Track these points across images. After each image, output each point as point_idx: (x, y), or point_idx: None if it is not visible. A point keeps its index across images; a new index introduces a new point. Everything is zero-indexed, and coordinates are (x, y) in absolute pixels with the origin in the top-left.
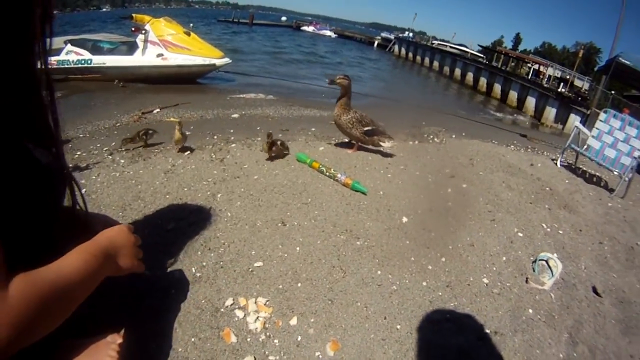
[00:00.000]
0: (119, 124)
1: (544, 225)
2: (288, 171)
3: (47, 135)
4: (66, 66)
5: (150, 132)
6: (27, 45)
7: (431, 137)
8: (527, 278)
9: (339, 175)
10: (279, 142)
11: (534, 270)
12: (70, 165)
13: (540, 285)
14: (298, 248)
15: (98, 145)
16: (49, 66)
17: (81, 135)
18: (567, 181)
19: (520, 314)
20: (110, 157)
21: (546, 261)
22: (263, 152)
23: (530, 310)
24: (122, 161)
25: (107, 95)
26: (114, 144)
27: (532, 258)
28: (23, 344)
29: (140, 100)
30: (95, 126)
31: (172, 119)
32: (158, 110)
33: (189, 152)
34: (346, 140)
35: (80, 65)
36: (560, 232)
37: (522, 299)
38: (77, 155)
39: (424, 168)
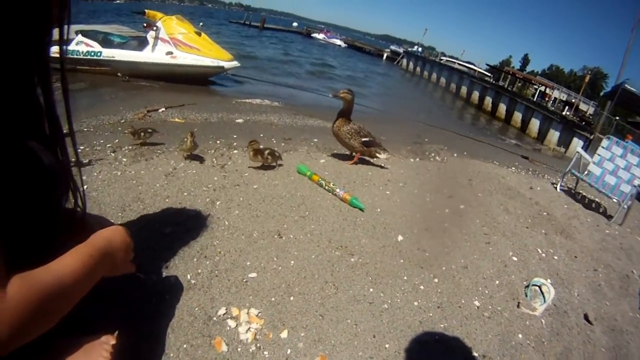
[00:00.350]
0: (123, 121)
1: (539, 250)
2: (288, 182)
3: (52, 133)
4: (75, 57)
5: (150, 131)
6: (40, 39)
7: (432, 154)
8: (519, 303)
9: (337, 190)
10: (266, 152)
11: (526, 295)
12: (72, 159)
13: (531, 310)
14: (292, 262)
15: (101, 141)
16: (57, 54)
17: (85, 129)
18: (565, 206)
19: (509, 338)
20: (113, 154)
21: (539, 287)
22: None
23: (520, 335)
24: (125, 160)
25: (113, 90)
26: (117, 140)
27: (525, 283)
28: (20, 342)
29: (147, 97)
30: (100, 121)
31: (176, 119)
32: (164, 109)
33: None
34: (347, 153)
35: (89, 57)
36: (555, 257)
37: (513, 323)
38: (80, 150)
39: (423, 186)
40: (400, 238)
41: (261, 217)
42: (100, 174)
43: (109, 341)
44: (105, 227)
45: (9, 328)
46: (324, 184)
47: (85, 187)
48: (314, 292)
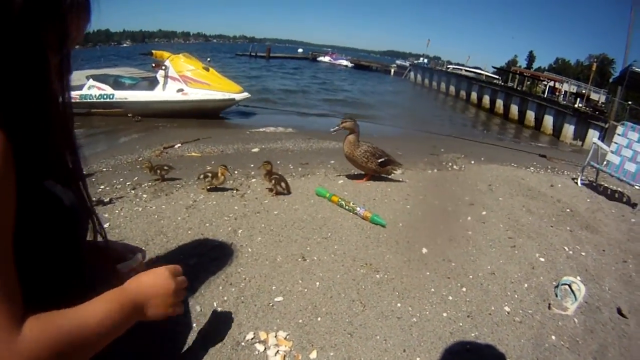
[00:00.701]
0: (141, 158)
1: (565, 248)
2: (308, 206)
3: (68, 172)
4: (89, 100)
5: (167, 168)
6: (45, 87)
7: (450, 164)
8: (549, 304)
9: (358, 209)
10: (276, 177)
11: (556, 296)
12: (94, 199)
13: (563, 310)
14: (318, 283)
15: (121, 179)
16: (72, 100)
17: (104, 169)
18: (588, 200)
19: (542, 341)
20: (133, 191)
21: (569, 285)
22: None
23: (553, 337)
24: (145, 196)
25: (129, 131)
26: (136, 178)
27: (554, 283)
28: None
29: (162, 135)
30: (118, 160)
31: (193, 153)
32: (179, 145)
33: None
34: (361, 172)
35: (102, 100)
36: (583, 253)
37: (545, 325)
38: (100, 189)
39: (443, 197)
40: (424, 250)
41: (284, 242)
42: (122, 210)
43: None
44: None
45: None
46: (344, 204)
47: (108, 224)
48: (341, 311)
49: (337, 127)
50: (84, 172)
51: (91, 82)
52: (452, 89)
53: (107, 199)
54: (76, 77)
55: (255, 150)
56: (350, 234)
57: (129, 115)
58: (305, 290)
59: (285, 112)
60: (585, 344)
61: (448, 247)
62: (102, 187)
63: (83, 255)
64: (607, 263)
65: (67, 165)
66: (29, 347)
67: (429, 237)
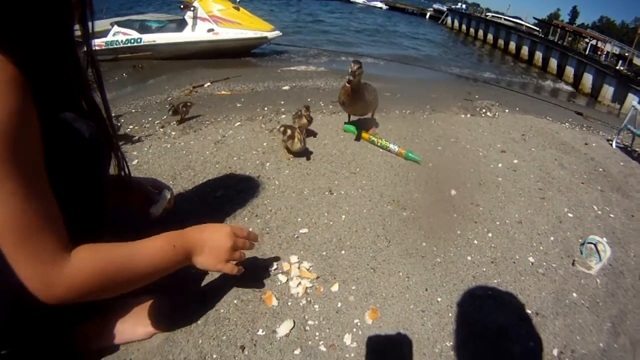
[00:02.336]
0: (170, 98)
1: (595, 207)
2: (337, 141)
3: (91, 108)
4: (115, 46)
5: (189, 104)
6: (64, 23)
7: (483, 110)
8: (574, 260)
9: (391, 145)
10: (289, 131)
11: (581, 253)
12: (122, 139)
13: (587, 269)
14: (344, 216)
15: (150, 119)
16: (97, 47)
17: (133, 111)
18: (621, 163)
19: (563, 297)
20: (161, 129)
21: (595, 245)
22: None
23: (575, 294)
24: (173, 133)
25: (156, 73)
26: (165, 117)
27: (580, 240)
28: (77, 301)
29: (191, 75)
30: (147, 101)
31: (223, 92)
32: (209, 84)
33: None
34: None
35: (129, 45)
36: (612, 215)
37: (567, 281)
38: (129, 129)
39: (475, 142)
40: (453, 192)
41: (311, 175)
42: (151, 148)
43: (157, 302)
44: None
45: (65, 291)
46: (375, 141)
47: (136, 161)
48: (365, 246)
49: (351, 77)
50: (110, 109)
51: (116, 28)
52: (490, 37)
53: (136, 137)
54: (100, 26)
55: (286, 88)
56: (378, 170)
57: (134, 66)
58: (331, 223)
59: (317, 51)
60: (605, 306)
61: (477, 191)
62: (130, 126)
63: (104, 187)
64: (635, 229)
65: (91, 99)
66: (74, 273)
67: (459, 179)
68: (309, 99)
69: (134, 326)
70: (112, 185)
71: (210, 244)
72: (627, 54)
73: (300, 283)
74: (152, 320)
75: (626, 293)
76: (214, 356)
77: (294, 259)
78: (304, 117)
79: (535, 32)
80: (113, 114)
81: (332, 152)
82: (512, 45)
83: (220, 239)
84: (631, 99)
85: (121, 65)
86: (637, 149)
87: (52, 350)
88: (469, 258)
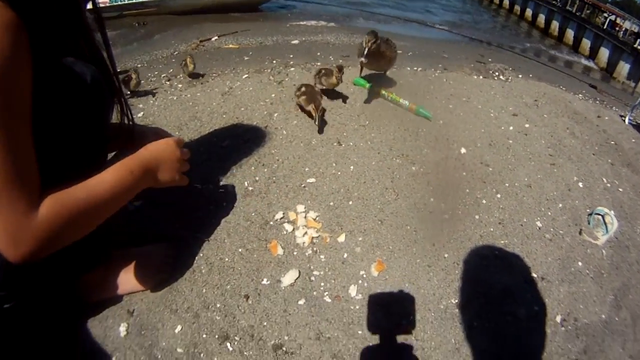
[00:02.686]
0: (177, 52)
1: (604, 179)
2: (347, 94)
3: (93, 52)
4: (119, 3)
5: (190, 57)
6: None
7: (496, 74)
8: (581, 229)
9: (401, 100)
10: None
11: (588, 223)
12: (127, 91)
13: (593, 239)
14: (352, 167)
15: (156, 72)
16: (101, 4)
17: (139, 65)
18: (633, 140)
19: (569, 264)
20: (168, 82)
21: (602, 216)
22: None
23: (580, 263)
24: (180, 85)
25: (164, 27)
26: (171, 70)
27: (588, 210)
28: (49, 253)
29: (198, 29)
30: (153, 56)
31: (231, 45)
32: (216, 37)
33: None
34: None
35: (135, 1)
36: (620, 189)
37: (574, 249)
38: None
39: (486, 103)
40: (463, 151)
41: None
42: (157, 100)
43: (161, 252)
44: (162, 137)
45: (34, 243)
46: (386, 95)
47: (142, 113)
48: (373, 197)
49: (364, 51)
50: (114, 57)
51: None
52: (506, 2)
53: (142, 91)
54: None
55: (295, 42)
56: (388, 124)
57: (134, 23)
58: (339, 173)
59: (328, 6)
60: (609, 278)
61: (487, 151)
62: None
63: (105, 132)
64: None
65: (92, 42)
66: (43, 226)
67: (469, 138)
68: (318, 53)
69: (137, 276)
70: (114, 132)
71: (164, 159)
72: None
73: (306, 233)
74: (155, 269)
75: (630, 267)
76: (218, 305)
77: (300, 208)
78: (334, 77)
79: (553, 1)
80: (119, 70)
81: (341, 104)
82: (529, 13)
83: (171, 152)
84: None
85: (125, 23)
86: None
87: (55, 303)
88: (476, 217)
